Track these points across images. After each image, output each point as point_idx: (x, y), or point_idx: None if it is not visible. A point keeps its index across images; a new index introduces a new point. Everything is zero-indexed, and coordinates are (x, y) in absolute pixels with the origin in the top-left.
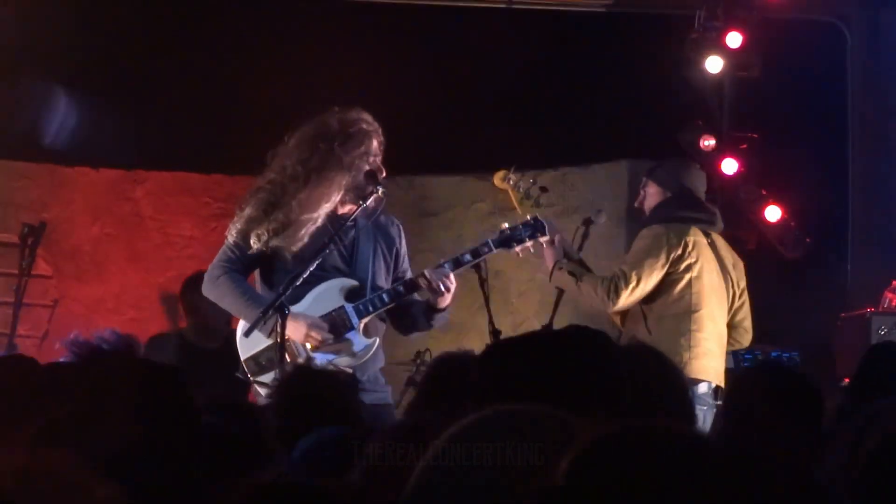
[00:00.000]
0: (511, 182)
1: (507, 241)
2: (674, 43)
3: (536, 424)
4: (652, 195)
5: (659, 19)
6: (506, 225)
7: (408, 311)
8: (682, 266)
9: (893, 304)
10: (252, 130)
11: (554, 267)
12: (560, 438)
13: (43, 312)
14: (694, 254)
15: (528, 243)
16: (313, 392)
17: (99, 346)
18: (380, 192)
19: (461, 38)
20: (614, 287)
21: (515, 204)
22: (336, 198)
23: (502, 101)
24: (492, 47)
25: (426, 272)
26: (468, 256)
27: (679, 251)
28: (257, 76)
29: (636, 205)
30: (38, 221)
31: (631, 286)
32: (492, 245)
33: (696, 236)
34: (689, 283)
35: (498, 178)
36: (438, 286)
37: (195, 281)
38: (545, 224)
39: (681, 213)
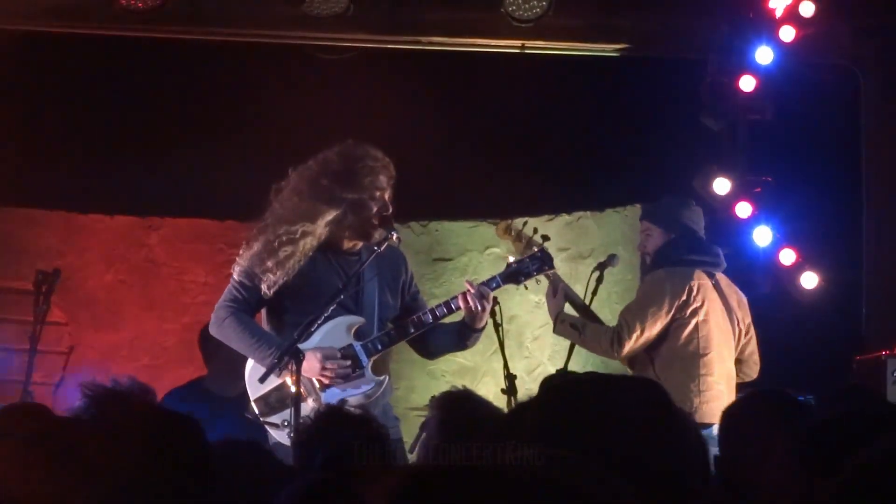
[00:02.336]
0: (513, 233)
1: (514, 275)
2: (687, 87)
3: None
4: (653, 238)
5: (672, 63)
6: (512, 259)
7: (432, 337)
8: (688, 311)
9: None
10: (265, 177)
11: (556, 320)
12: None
13: (58, 359)
14: (699, 298)
15: (536, 276)
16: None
17: (115, 391)
18: (394, 237)
19: (474, 83)
20: (618, 337)
21: (518, 255)
22: (320, 223)
23: (515, 145)
24: (505, 92)
25: (456, 302)
26: (486, 288)
27: (684, 297)
28: (271, 123)
29: (638, 249)
30: (52, 268)
31: (634, 335)
32: (499, 280)
33: (700, 279)
34: (696, 327)
35: (500, 230)
36: (477, 307)
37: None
38: (551, 256)
39: (684, 256)
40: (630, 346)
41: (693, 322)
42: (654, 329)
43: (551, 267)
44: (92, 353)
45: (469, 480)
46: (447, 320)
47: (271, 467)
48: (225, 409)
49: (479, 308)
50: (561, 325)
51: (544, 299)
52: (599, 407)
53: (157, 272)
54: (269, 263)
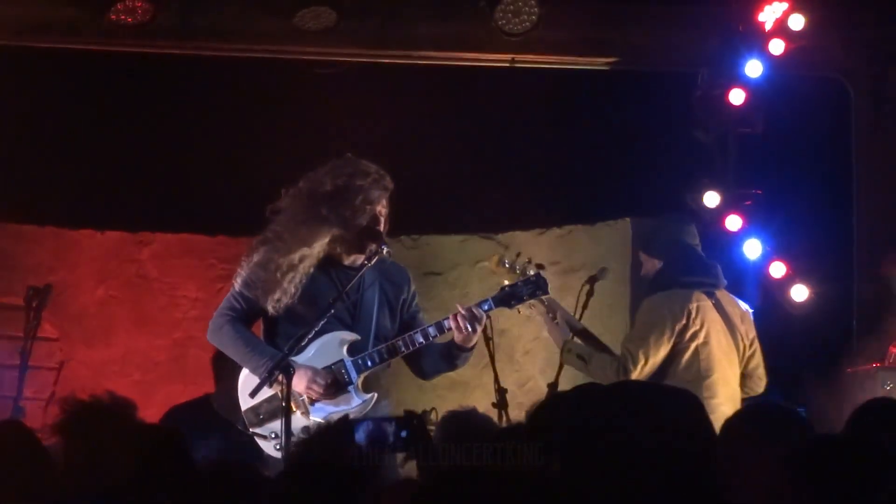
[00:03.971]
0: (506, 265)
1: (507, 298)
2: (677, 100)
3: None
4: (647, 265)
5: (662, 77)
6: (506, 282)
7: (425, 358)
8: (688, 335)
9: None
10: (256, 192)
11: (563, 350)
12: None
13: (49, 375)
14: (698, 320)
15: (528, 300)
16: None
17: (93, 406)
18: (384, 251)
19: (465, 97)
20: (623, 369)
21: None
22: (317, 246)
23: (506, 159)
24: (495, 106)
25: (448, 322)
26: (480, 309)
27: (683, 321)
28: (262, 138)
29: (642, 274)
30: (43, 284)
31: (640, 365)
32: (492, 303)
33: (699, 301)
34: (696, 350)
35: (493, 264)
36: (467, 328)
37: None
38: (546, 281)
39: (681, 278)
40: (636, 375)
41: (693, 346)
42: (658, 356)
43: (545, 292)
44: (83, 369)
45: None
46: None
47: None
48: (228, 426)
49: (470, 330)
50: (567, 354)
51: (535, 313)
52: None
53: (148, 287)
54: (277, 294)
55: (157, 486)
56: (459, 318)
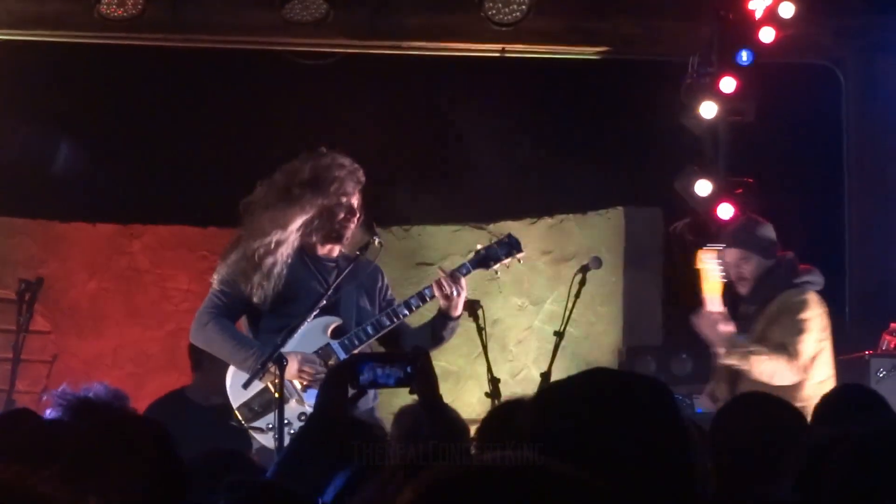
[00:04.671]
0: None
1: (483, 260)
2: (668, 89)
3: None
4: (752, 263)
5: (653, 66)
6: (480, 245)
7: (407, 338)
8: (825, 335)
9: (892, 346)
10: (247, 184)
11: (727, 349)
12: None
13: (41, 368)
14: (826, 319)
15: (506, 261)
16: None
17: (88, 400)
18: (377, 243)
19: (456, 88)
20: (795, 366)
21: None
22: (291, 229)
23: (497, 149)
24: (486, 96)
25: (428, 290)
26: (457, 273)
27: (826, 320)
28: (252, 129)
29: (732, 277)
30: (35, 277)
31: (798, 358)
32: (469, 266)
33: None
34: (826, 350)
35: None
36: (452, 291)
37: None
38: (518, 241)
39: (806, 277)
40: (794, 370)
41: (825, 345)
42: (810, 352)
43: (519, 251)
44: (75, 362)
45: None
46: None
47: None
48: (206, 418)
49: (454, 293)
50: (732, 352)
51: (528, 303)
52: (602, 406)
53: (139, 280)
54: (257, 278)
55: (142, 477)
56: (445, 282)
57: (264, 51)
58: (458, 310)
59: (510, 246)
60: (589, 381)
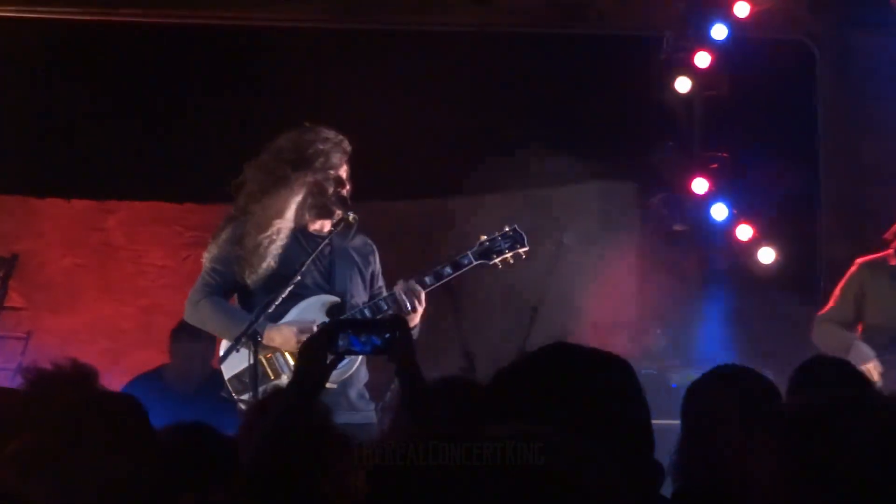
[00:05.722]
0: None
1: (486, 252)
2: (643, 64)
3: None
4: None
5: (628, 41)
6: (484, 237)
7: None
8: None
9: None
10: (224, 159)
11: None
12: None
13: (16, 345)
14: None
15: (508, 255)
16: None
17: (55, 375)
18: (350, 218)
19: (432, 62)
20: None
21: None
22: (289, 215)
23: (473, 123)
24: (461, 70)
25: (396, 290)
26: (448, 269)
27: None
28: (227, 104)
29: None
30: (9, 253)
31: None
32: (472, 257)
33: None
34: None
35: None
36: (406, 305)
37: (181, 326)
38: (523, 235)
39: None
40: None
41: None
42: None
43: (523, 245)
44: (50, 338)
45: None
46: None
47: (219, 449)
48: (184, 399)
49: (407, 306)
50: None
51: (503, 276)
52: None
53: (114, 255)
54: (238, 250)
55: (119, 454)
56: (398, 293)
57: (239, 26)
58: (414, 322)
59: (514, 240)
60: (548, 356)
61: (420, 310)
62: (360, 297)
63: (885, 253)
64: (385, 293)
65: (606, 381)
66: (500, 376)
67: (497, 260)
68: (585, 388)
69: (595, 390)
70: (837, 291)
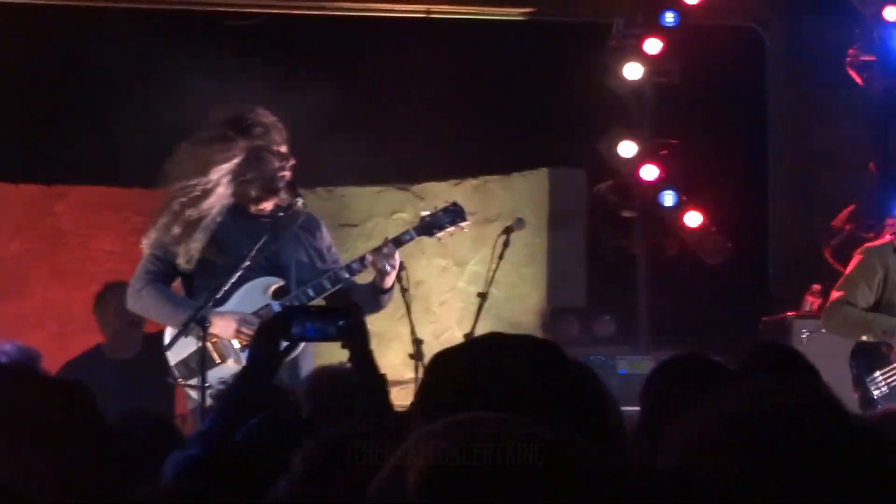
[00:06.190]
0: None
1: (427, 227)
2: (593, 51)
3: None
4: None
5: (578, 28)
6: (426, 212)
7: (354, 296)
8: None
9: (815, 307)
10: (171, 144)
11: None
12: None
13: None
14: None
15: (450, 229)
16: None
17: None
18: (299, 204)
19: (379, 49)
20: None
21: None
22: (223, 189)
23: (421, 110)
24: (410, 57)
25: (367, 256)
26: (391, 246)
27: None
28: (177, 90)
29: None
30: None
31: None
32: (413, 233)
33: None
34: None
35: None
36: (384, 266)
37: (103, 295)
38: (463, 209)
39: None
40: None
41: None
42: None
43: (464, 220)
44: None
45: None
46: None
47: (170, 437)
48: (123, 372)
49: (385, 267)
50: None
51: (451, 264)
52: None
53: (64, 241)
54: (177, 230)
55: (65, 440)
56: (374, 256)
57: (189, 11)
58: (388, 283)
59: (455, 214)
60: (480, 345)
61: (396, 268)
62: (307, 272)
63: (887, 239)
64: (343, 264)
65: (536, 365)
66: (431, 367)
67: (439, 234)
68: (513, 373)
69: (523, 375)
70: (852, 279)
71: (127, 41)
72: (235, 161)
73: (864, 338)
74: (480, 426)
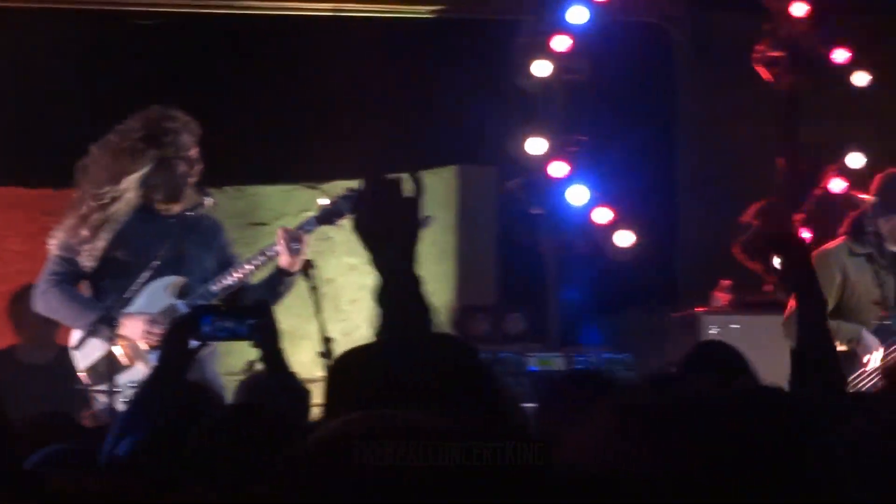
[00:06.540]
0: None
1: (327, 216)
2: (502, 48)
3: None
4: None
5: (487, 25)
6: (327, 201)
7: (249, 295)
8: None
9: (723, 303)
10: (80, 144)
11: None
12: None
13: None
14: None
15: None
16: None
17: None
18: (208, 202)
19: (288, 47)
20: None
21: None
22: (132, 195)
23: (331, 108)
24: (319, 55)
25: (280, 233)
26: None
27: None
28: (82, 89)
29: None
30: None
31: None
32: (314, 222)
33: None
34: None
35: None
36: (292, 245)
37: (19, 297)
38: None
39: None
40: None
41: None
42: None
43: None
44: None
45: None
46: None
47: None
48: (37, 377)
49: (294, 249)
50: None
51: (361, 262)
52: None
53: None
54: (84, 232)
55: None
56: (283, 238)
57: (95, 10)
58: (297, 265)
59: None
60: (384, 343)
61: (303, 251)
62: (209, 274)
63: (839, 241)
64: (240, 260)
65: (441, 361)
66: (338, 365)
67: (339, 222)
68: (420, 370)
69: (429, 372)
70: None
71: (33, 41)
72: (144, 171)
73: None
74: (389, 421)
